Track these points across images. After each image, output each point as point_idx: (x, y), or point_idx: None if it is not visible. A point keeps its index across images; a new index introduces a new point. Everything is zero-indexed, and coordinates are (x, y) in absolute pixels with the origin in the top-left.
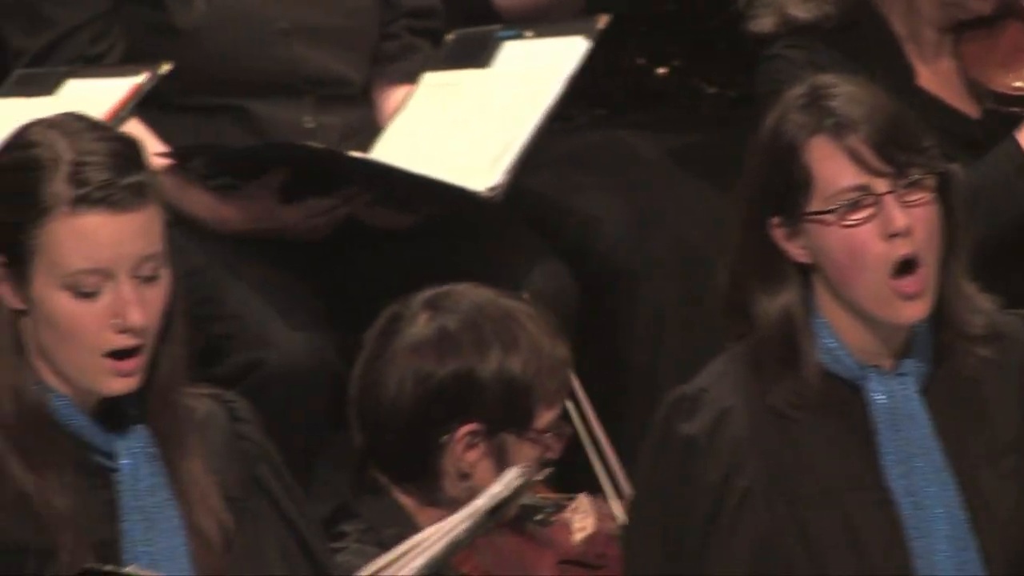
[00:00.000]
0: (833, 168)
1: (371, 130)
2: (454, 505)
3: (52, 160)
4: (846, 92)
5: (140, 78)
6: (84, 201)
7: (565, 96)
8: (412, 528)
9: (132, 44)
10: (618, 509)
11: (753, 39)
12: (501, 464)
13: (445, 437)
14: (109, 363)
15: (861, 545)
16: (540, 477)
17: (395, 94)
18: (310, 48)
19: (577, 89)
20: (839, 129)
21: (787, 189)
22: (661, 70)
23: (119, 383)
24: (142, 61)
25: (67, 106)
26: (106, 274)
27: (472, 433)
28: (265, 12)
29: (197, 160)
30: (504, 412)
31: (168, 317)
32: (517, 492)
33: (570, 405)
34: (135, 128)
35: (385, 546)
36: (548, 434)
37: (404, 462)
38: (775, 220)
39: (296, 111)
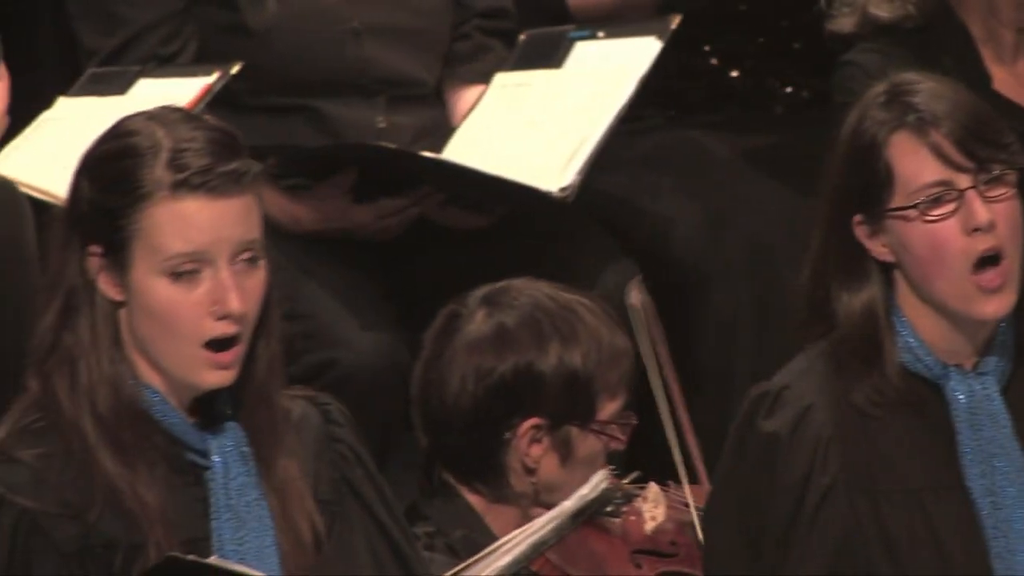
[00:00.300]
0: (916, 164)
1: (443, 130)
2: (523, 501)
3: (152, 147)
4: (928, 88)
5: (211, 78)
6: (183, 185)
7: (637, 96)
8: (481, 529)
9: (204, 44)
10: (690, 494)
11: (832, 39)
12: (566, 457)
13: (508, 433)
14: (207, 354)
15: (940, 544)
16: (627, 480)
17: (467, 94)
18: (382, 48)
19: (649, 90)
20: (922, 125)
21: (869, 186)
22: (734, 71)
23: (216, 376)
24: (214, 61)
25: (139, 105)
26: (205, 259)
27: (535, 427)
28: (337, 12)
29: (269, 160)
30: (566, 405)
31: (265, 311)
32: (604, 495)
33: (655, 385)
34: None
35: (454, 549)
36: (612, 425)
37: (469, 460)
38: (857, 218)
39: (368, 111)
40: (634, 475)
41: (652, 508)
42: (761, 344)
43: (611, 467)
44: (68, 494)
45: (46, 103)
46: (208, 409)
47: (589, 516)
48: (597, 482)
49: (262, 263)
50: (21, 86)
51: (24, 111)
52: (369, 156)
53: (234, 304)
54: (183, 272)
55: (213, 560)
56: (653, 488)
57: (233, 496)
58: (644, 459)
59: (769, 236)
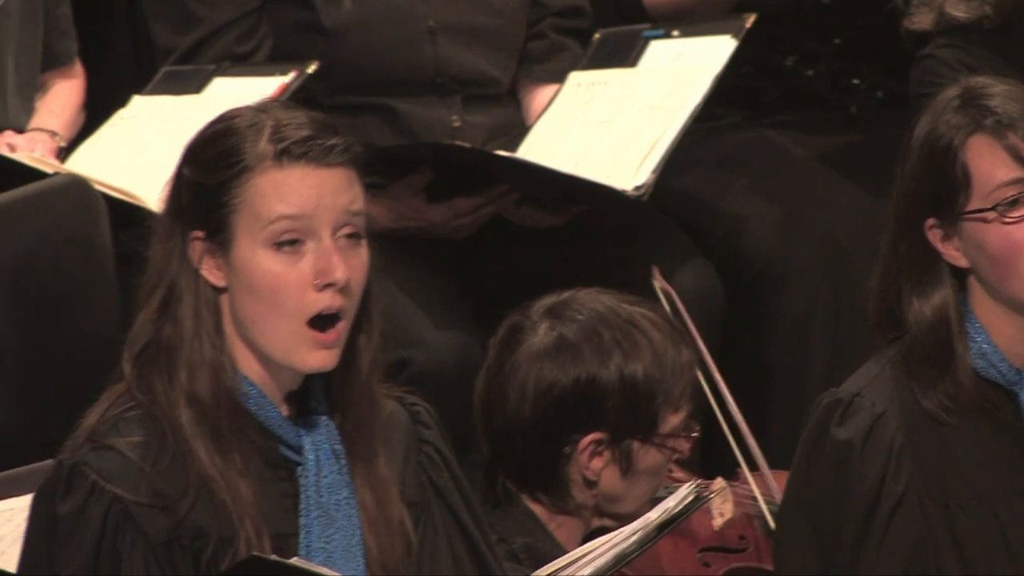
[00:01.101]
0: (993, 166)
1: (517, 129)
2: (584, 512)
3: (254, 124)
4: (1002, 91)
5: (287, 77)
6: (286, 154)
7: (712, 96)
8: (544, 537)
9: (279, 43)
10: (755, 484)
11: (908, 37)
12: (627, 470)
13: (568, 448)
14: (310, 333)
15: (1013, 551)
16: (713, 494)
17: (542, 93)
18: (457, 47)
19: (724, 89)
20: (999, 127)
21: (944, 190)
22: (810, 70)
23: (319, 356)
24: (289, 60)
25: (214, 104)
26: (307, 228)
27: (596, 442)
28: (412, 11)
29: None
30: (628, 419)
31: (366, 299)
32: (689, 508)
33: (706, 387)
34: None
35: (516, 557)
36: (675, 437)
37: (531, 471)
38: (930, 222)
39: (443, 110)
40: (721, 488)
41: (720, 504)
42: (835, 343)
43: (698, 481)
44: (160, 484)
45: (121, 101)
46: (303, 405)
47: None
48: (684, 496)
49: (364, 243)
50: (96, 85)
51: (99, 109)
52: (444, 155)
53: (338, 272)
54: (286, 242)
55: (295, 561)
56: (720, 484)
57: (323, 494)
58: (702, 454)
59: (843, 236)
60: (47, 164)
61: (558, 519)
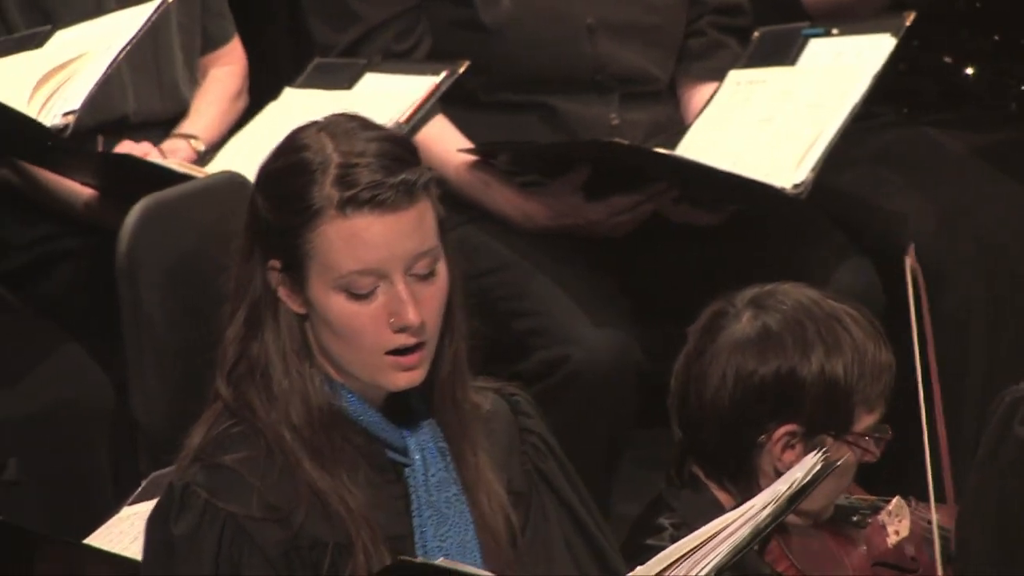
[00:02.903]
0: None
1: (676, 127)
2: None
3: (321, 164)
4: None
5: (438, 77)
6: (352, 203)
7: (871, 94)
8: None
9: (438, 40)
10: (935, 514)
11: None
12: None
13: (763, 437)
14: (392, 359)
15: None
16: (840, 463)
17: (701, 91)
18: (616, 45)
19: (883, 87)
20: None
21: None
22: (968, 68)
23: (404, 377)
24: (447, 57)
25: (363, 101)
26: (379, 274)
27: (790, 434)
28: (571, 8)
29: (502, 157)
30: (823, 414)
31: (448, 312)
32: (817, 477)
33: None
34: (439, 125)
35: None
36: (867, 437)
37: (722, 458)
38: None
39: (602, 108)
40: (845, 456)
41: (896, 522)
42: (995, 343)
43: (822, 450)
44: (272, 498)
45: (277, 89)
46: (403, 406)
47: (831, 522)
48: (810, 465)
49: (440, 268)
50: (255, 81)
51: (255, 96)
52: (603, 153)
53: (410, 317)
54: (357, 290)
55: (441, 561)
56: (897, 501)
57: (433, 492)
58: (889, 469)
59: (1002, 234)
60: (191, 169)
61: None
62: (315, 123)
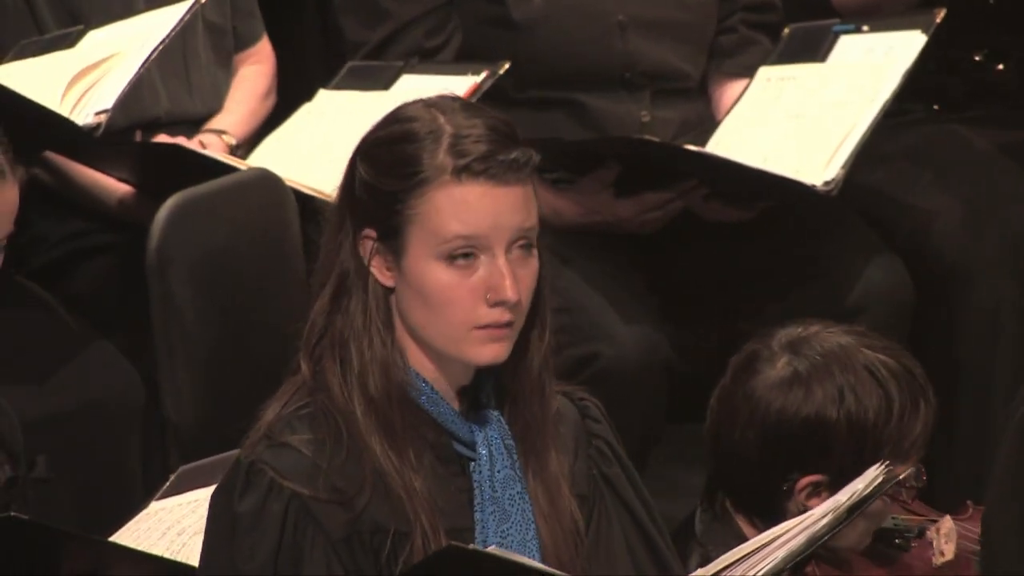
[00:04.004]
0: None
1: (707, 124)
2: None
3: (432, 132)
4: None
5: (479, 77)
6: (466, 171)
7: (901, 90)
8: None
9: (468, 37)
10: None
11: None
12: None
13: (787, 485)
14: (480, 332)
15: None
16: (902, 476)
17: (731, 88)
18: (647, 42)
19: (913, 83)
20: None
21: None
22: (998, 66)
23: (490, 349)
24: (478, 54)
25: (403, 102)
26: (482, 245)
27: (815, 484)
28: (602, 6)
29: None
30: (851, 464)
31: (537, 300)
32: (878, 488)
33: None
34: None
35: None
36: (897, 486)
37: (749, 496)
38: None
39: (632, 105)
40: (909, 469)
41: (943, 544)
42: (1023, 339)
43: (886, 463)
44: (337, 480)
45: (308, 88)
46: (473, 400)
47: (874, 546)
48: (873, 477)
49: (536, 252)
50: (283, 71)
51: (286, 96)
52: (633, 150)
53: (509, 292)
54: (459, 255)
55: (492, 550)
56: (948, 523)
57: (498, 488)
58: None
59: None
60: (238, 162)
61: None
62: (419, 100)
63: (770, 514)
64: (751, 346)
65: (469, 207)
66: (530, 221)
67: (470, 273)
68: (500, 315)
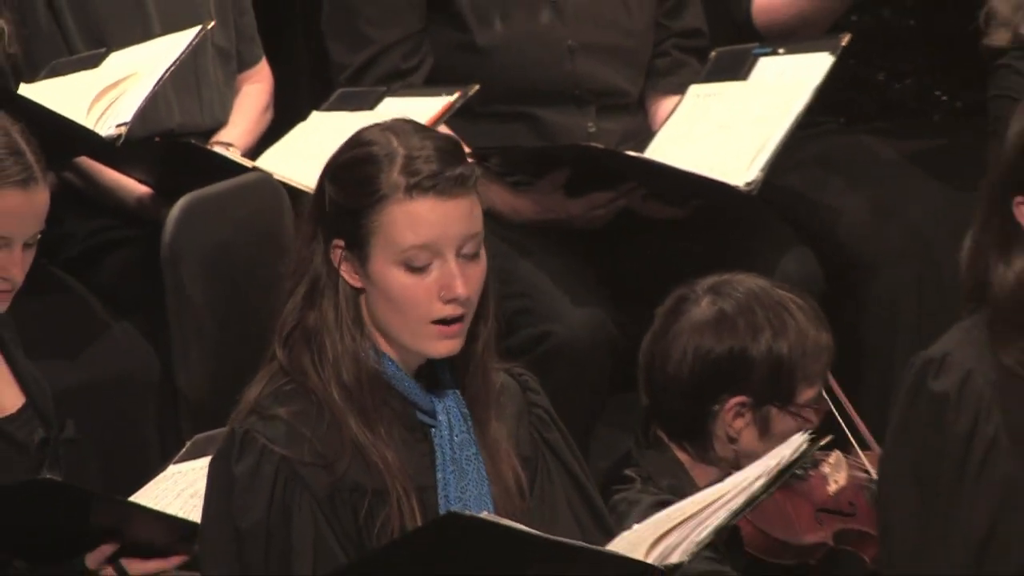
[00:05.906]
0: None
1: (645, 134)
2: (723, 463)
3: (388, 155)
4: None
5: (452, 97)
6: (417, 188)
7: (813, 105)
8: (686, 479)
9: (438, 60)
10: (866, 461)
11: (986, 52)
12: (764, 432)
13: (716, 406)
14: (436, 328)
15: None
16: (823, 443)
17: (665, 103)
18: (593, 64)
19: (824, 99)
20: None
21: None
22: (898, 84)
23: (444, 345)
24: (447, 76)
25: (386, 119)
26: (434, 251)
27: (740, 404)
28: (554, 33)
29: (494, 160)
30: (770, 388)
31: (484, 295)
32: (804, 455)
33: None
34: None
35: (662, 492)
36: (808, 408)
37: (681, 423)
38: (1018, 199)
39: (580, 118)
40: (827, 439)
41: (835, 472)
42: (920, 321)
43: (810, 433)
44: (320, 446)
45: (299, 107)
46: (432, 377)
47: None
48: (797, 444)
49: (482, 253)
50: (280, 95)
51: (279, 114)
52: (581, 156)
53: (460, 290)
54: (416, 263)
55: (485, 515)
56: (836, 455)
57: (456, 451)
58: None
59: (928, 226)
60: (246, 162)
61: (699, 467)
62: (377, 124)
63: (700, 439)
64: (676, 293)
65: (422, 220)
66: (476, 227)
67: (425, 275)
68: (453, 310)
